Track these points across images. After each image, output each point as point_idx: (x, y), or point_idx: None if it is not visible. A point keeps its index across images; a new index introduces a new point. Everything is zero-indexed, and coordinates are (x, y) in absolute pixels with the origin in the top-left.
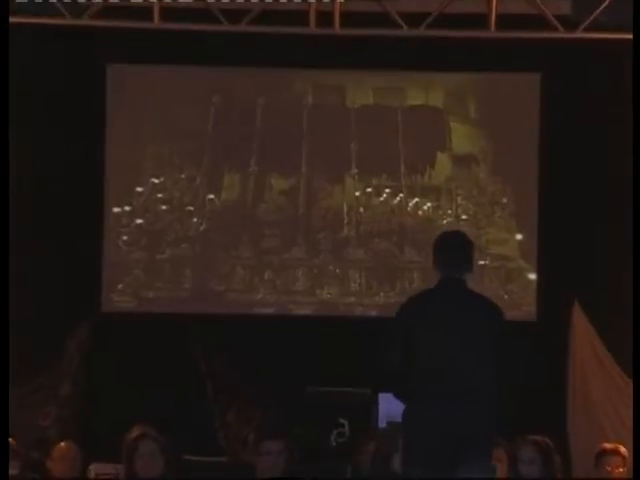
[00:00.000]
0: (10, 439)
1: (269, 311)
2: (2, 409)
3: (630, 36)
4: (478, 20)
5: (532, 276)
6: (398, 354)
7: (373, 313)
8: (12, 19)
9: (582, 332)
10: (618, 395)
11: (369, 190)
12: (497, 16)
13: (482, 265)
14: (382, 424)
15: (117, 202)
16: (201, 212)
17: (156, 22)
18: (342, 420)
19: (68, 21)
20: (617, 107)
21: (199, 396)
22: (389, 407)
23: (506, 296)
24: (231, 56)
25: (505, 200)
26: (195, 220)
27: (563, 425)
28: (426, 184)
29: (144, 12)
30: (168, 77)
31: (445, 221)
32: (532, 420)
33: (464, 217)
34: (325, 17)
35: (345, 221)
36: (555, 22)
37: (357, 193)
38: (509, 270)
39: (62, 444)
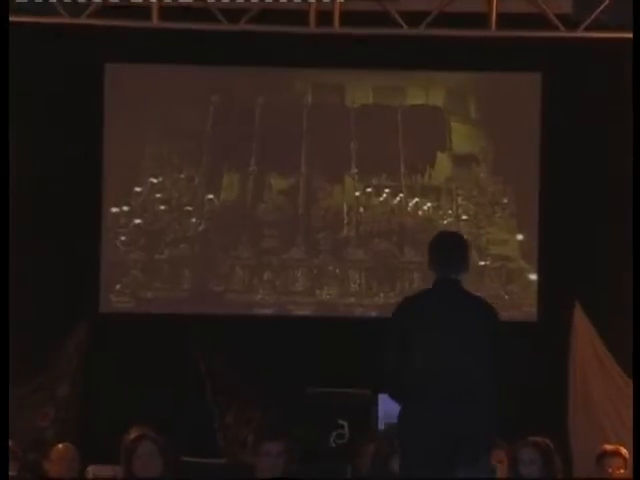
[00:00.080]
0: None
1: (268, 312)
2: (2, 410)
3: (631, 35)
4: (478, 19)
5: (533, 276)
6: (393, 354)
7: (373, 314)
8: (10, 18)
9: (583, 332)
10: (619, 395)
11: (369, 190)
12: (497, 15)
13: (482, 265)
14: (382, 425)
15: (115, 202)
16: (200, 212)
17: (155, 21)
18: (342, 421)
19: (66, 20)
20: (618, 107)
21: (198, 397)
22: (389, 408)
23: (507, 296)
24: (230, 55)
25: (506, 200)
26: (194, 220)
27: (564, 426)
28: (426, 184)
29: (143, 11)
30: (167, 76)
31: (445, 221)
32: (533, 421)
33: (464, 217)
34: (325, 16)
35: (345, 221)
36: (556, 21)
37: (357, 193)
38: (510, 270)
39: (60, 445)
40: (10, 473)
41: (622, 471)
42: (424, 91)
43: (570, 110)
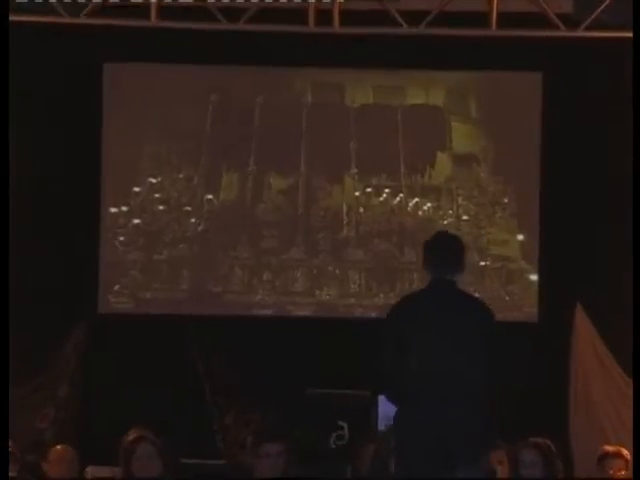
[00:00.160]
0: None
1: (268, 312)
2: (2, 411)
3: (631, 35)
4: (479, 18)
5: (533, 277)
6: (389, 356)
7: (373, 314)
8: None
9: (584, 333)
10: (620, 396)
11: (369, 190)
12: (498, 14)
13: (483, 266)
14: (382, 426)
15: (114, 202)
16: (199, 212)
17: (153, 20)
18: (341, 422)
19: (65, 19)
20: (619, 106)
21: (197, 398)
22: (389, 409)
23: (507, 297)
24: (229, 55)
25: (506, 200)
26: (193, 220)
27: (564, 427)
28: (426, 184)
29: (141, 10)
30: (166, 76)
31: (445, 221)
32: (533, 421)
33: (465, 217)
34: (324, 15)
35: (344, 221)
36: (557, 21)
37: (357, 193)
38: (510, 271)
39: (58, 447)
40: (10, 474)
41: (623, 472)
42: (424, 90)
43: (571, 110)
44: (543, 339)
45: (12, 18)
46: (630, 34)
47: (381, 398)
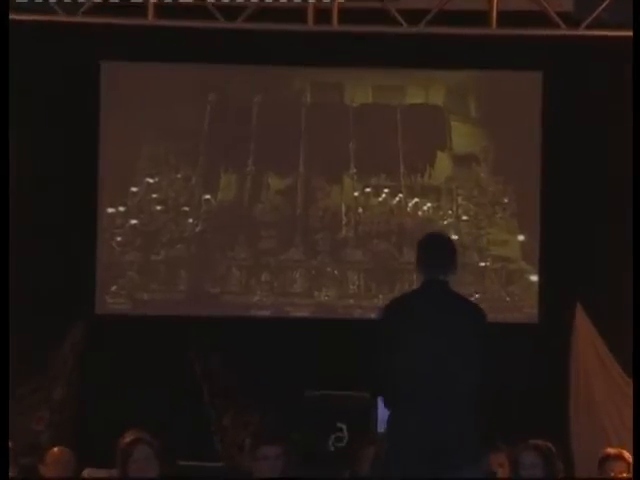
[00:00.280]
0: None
1: (266, 313)
2: (2, 411)
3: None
4: (479, 17)
5: (534, 277)
6: (381, 357)
7: (372, 315)
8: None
9: (584, 334)
10: (621, 397)
11: (368, 190)
12: (498, 13)
13: (483, 266)
14: (381, 428)
15: (111, 202)
16: (197, 212)
17: (150, 19)
18: (340, 424)
19: (62, 18)
20: (620, 106)
21: (195, 400)
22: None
23: (507, 298)
24: (227, 54)
25: (506, 200)
26: (191, 221)
27: (565, 428)
28: (426, 184)
29: (138, 9)
30: (163, 75)
31: (445, 222)
32: (534, 423)
33: (465, 218)
34: (323, 14)
35: (343, 222)
36: (557, 19)
37: (356, 193)
38: (510, 271)
39: (55, 449)
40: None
41: (625, 475)
42: (424, 90)
43: (571, 109)
44: (543, 340)
45: (10, 17)
46: (631, 33)
47: (380, 399)
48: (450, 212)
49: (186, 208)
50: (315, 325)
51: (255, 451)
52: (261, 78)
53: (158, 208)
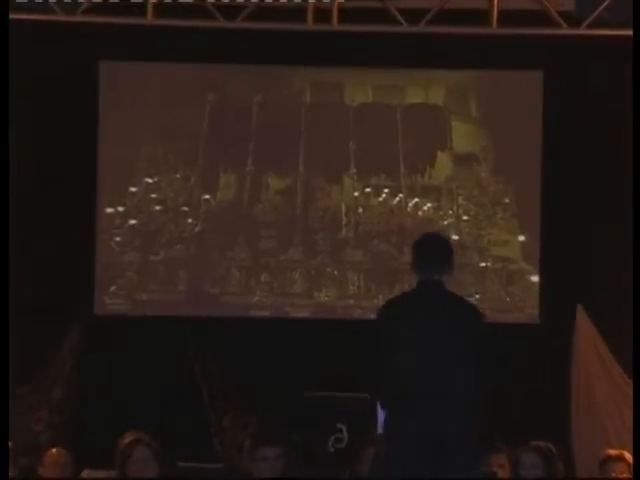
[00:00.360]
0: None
1: (265, 314)
2: (3, 412)
3: None
4: (479, 16)
5: (534, 278)
6: (378, 358)
7: (372, 316)
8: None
9: (585, 334)
10: (621, 397)
11: (368, 190)
12: (499, 12)
13: (483, 267)
14: (381, 429)
15: (110, 202)
16: (196, 213)
17: (150, 18)
18: (340, 425)
19: (60, 17)
20: (621, 105)
21: (194, 401)
22: None
23: (508, 298)
24: (227, 53)
25: (507, 200)
26: (190, 221)
27: (566, 428)
28: (426, 184)
29: (138, 8)
30: (162, 74)
31: (446, 222)
32: (535, 424)
33: (465, 218)
34: (323, 13)
35: (343, 222)
36: (558, 18)
37: (356, 193)
38: (511, 272)
39: (53, 450)
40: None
41: (626, 476)
42: (424, 89)
43: (572, 109)
44: (544, 340)
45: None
46: (632, 32)
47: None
48: (450, 212)
49: (185, 208)
50: (315, 326)
51: (254, 452)
52: (261, 78)
53: (157, 208)
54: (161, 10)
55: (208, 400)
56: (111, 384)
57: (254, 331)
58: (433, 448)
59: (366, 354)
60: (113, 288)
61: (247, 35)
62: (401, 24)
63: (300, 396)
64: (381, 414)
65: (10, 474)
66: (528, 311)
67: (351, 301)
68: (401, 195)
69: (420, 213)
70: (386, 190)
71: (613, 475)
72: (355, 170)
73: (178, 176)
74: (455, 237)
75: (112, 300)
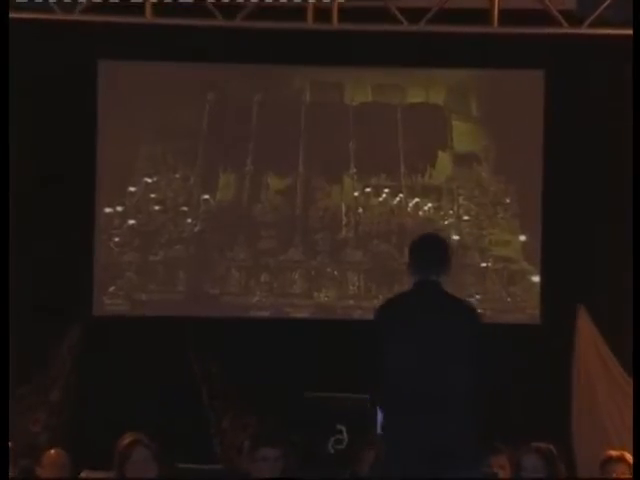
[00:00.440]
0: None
1: (265, 314)
2: (3, 413)
3: None
4: (480, 15)
5: (535, 278)
6: (375, 359)
7: (371, 316)
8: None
9: (586, 334)
10: (622, 397)
11: (368, 190)
12: (499, 11)
13: (484, 267)
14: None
15: (109, 202)
16: (195, 212)
17: (149, 17)
18: (340, 426)
19: (59, 16)
20: (622, 104)
21: (194, 402)
22: None
23: (509, 299)
24: (226, 52)
25: (508, 200)
26: (189, 221)
27: (567, 429)
28: (426, 184)
29: (137, 7)
30: (162, 74)
31: (446, 222)
32: (536, 424)
33: (466, 218)
34: (323, 12)
35: (343, 222)
36: (559, 17)
37: (356, 193)
38: (512, 272)
39: (52, 451)
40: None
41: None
42: (424, 89)
43: (573, 108)
44: (545, 341)
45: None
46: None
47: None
48: (451, 212)
49: (185, 208)
50: (315, 326)
51: (254, 453)
52: (260, 77)
53: (156, 208)
54: (160, 9)
55: (208, 400)
56: (110, 385)
57: (254, 331)
58: (432, 449)
59: (366, 354)
60: (112, 288)
61: (247, 34)
62: (401, 23)
63: (300, 397)
64: (381, 415)
65: (10, 474)
66: (529, 311)
67: (351, 301)
68: (401, 195)
69: (420, 213)
70: (386, 190)
71: (614, 476)
72: (355, 170)
73: (177, 176)
74: (456, 237)
75: (111, 300)
